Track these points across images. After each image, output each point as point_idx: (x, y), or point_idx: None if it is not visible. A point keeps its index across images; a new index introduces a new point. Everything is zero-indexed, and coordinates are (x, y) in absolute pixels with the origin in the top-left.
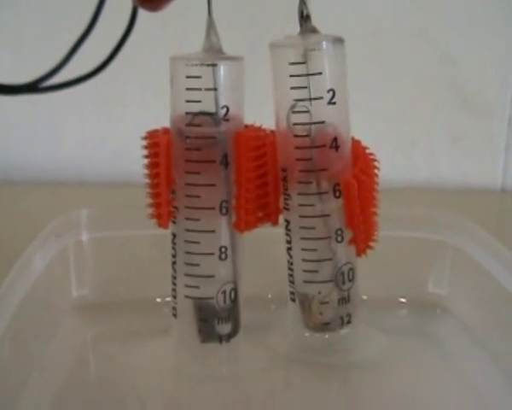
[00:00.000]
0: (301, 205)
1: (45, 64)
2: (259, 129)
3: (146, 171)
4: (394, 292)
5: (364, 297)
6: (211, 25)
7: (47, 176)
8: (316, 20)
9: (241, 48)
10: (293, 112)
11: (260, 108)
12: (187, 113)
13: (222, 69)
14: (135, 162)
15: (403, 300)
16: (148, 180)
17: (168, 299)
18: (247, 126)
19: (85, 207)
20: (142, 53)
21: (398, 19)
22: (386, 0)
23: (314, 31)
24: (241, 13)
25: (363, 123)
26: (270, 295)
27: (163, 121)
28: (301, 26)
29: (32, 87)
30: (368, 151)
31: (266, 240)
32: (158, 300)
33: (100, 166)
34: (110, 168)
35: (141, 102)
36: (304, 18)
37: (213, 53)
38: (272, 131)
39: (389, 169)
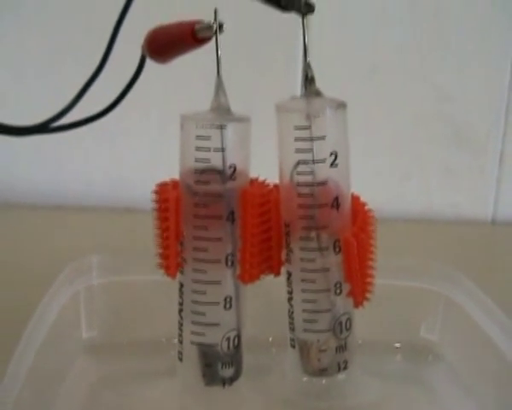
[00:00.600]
0: (302, 260)
1: (49, 93)
2: (264, 185)
3: (155, 223)
4: (389, 338)
5: (360, 342)
6: (219, 84)
7: (48, 200)
8: (317, 57)
9: (247, 106)
10: (297, 173)
11: (265, 163)
12: (196, 171)
13: (230, 130)
14: (136, 188)
15: (397, 345)
16: (157, 232)
17: (174, 340)
18: (252, 181)
19: (95, 252)
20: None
21: (396, 57)
22: (385, 39)
23: (318, 94)
24: (248, 72)
25: (360, 156)
26: (270, 339)
27: (165, 152)
28: (305, 88)
29: (42, 128)
30: (366, 208)
31: (268, 286)
32: (163, 340)
33: (101, 191)
34: (112, 194)
35: (143, 130)
36: (308, 80)
37: (221, 112)
38: (276, 186)
39: (384, 200)
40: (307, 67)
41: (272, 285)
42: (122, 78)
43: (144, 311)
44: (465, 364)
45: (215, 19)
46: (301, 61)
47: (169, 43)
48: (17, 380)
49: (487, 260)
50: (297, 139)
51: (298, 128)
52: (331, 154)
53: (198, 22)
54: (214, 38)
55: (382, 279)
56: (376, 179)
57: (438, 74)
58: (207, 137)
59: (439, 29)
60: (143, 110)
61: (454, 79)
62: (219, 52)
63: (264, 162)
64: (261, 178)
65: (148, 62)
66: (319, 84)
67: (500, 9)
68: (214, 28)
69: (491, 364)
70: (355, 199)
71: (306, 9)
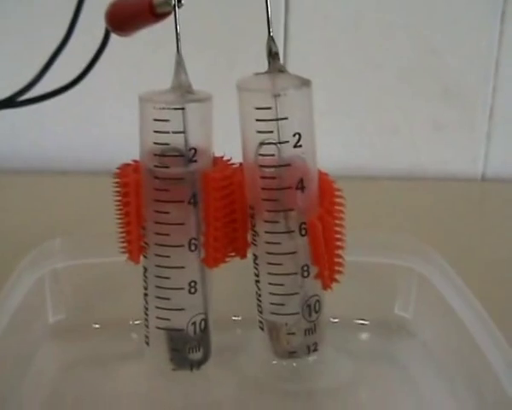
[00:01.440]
0: (268, 242)
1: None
2: (227, 166)
3: (117, 207)
4: (361, 315)
5: (334, 320)
6: (180, 62)
7: (29, 165)
8: (299, 14)
9: (209, 80)
10: (260, 154)
11: (228, 138)
12: (155, 154)
13: (190, 111)
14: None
15: (370, 322)
16: (119, 216)
17: (141, 322)
18: (216, 160)
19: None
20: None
21: (380, 9)
22: None
23: (282, 70)
24: (211, 46)
25: (345, 111)
26: (240, 317)
27: None
28: (269, 63)
29: (10, 102)
30: (334, 186)
31: (237, 264)
32: (131, 322)
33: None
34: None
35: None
36: (272, 55)
37: (182, 91)
38: (241, 166)
39: (370, 157)
40: (270, 41)
41: (240, 263)
42: (91, 47)
43: (110, 293)
44: (437, 342)
45: None
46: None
47: (128, 17)
48: None
49: (477, 218)
50: (259, 120)
51: (260, 108)
52: (295, 134)
53: None
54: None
55: (354, 256)
56: (361, 135)
57: (424, 27)
58: (166, 120)
59: None
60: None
61: (441, 32)
62: (178, 28)
63: (230, 138)
64: (226, 157)
65: None
66: (303, 39)
67: None
68: (173, 2)
69: (462, 344)
70: (323, 177)
71: None
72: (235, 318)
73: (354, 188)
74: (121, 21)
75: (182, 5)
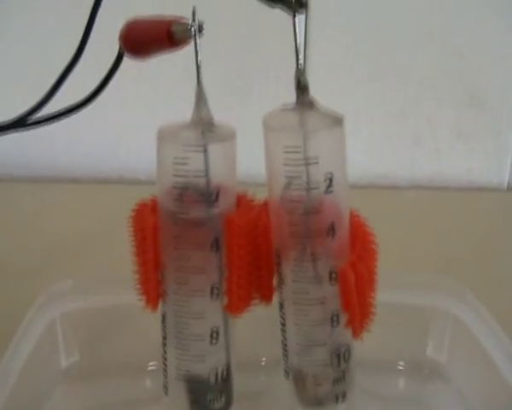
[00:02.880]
0: (295, 292)
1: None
2: (251, 206)
3: (133, 250)
4: (393, 357)
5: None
6: (200, 95)
7: (40, 173)
8: (321, 19)
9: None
10: (288, 198)
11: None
12: (176, 198)
13: (212, 152)
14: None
15: (401, 366)
16: (135, 259)
17: (158, 365)
18: (239, 198)
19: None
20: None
21: (404, 14)
22: None
23: (311, 105)
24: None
25: (368, 119)
26: (263, 362)
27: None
28: (298, 96)
29: (20, 123)
30: (367, 229)
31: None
32: (147, 366)
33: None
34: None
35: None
36: (301, 88)
37: (203, 127)
38: (265, 204)
39: (392, 165)
40: (299, 73)
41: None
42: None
43: (125, 336)
44: (472, 388)
45: (193, 19)
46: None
47: (144, 42)
48: None
49: (502, 228)
50: (287, 161)
51: (288, 150)
52: (325, 179)
53: (174, 22)
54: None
55: (386, 295)
56: (385, 144)
57: (449, 32)
58: (186, 160)
59: None
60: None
61: (466, 37)
62: (199, 57)
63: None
64: (249, 195)
65: None
66: (325, 45)
67: None
68: (193, 31)
69: (497, 391)
70: (354, 218)
71: (297, 6)
72: (259, 361)
73: (376, 197)
74: (137, 46)
75: (202, 35)
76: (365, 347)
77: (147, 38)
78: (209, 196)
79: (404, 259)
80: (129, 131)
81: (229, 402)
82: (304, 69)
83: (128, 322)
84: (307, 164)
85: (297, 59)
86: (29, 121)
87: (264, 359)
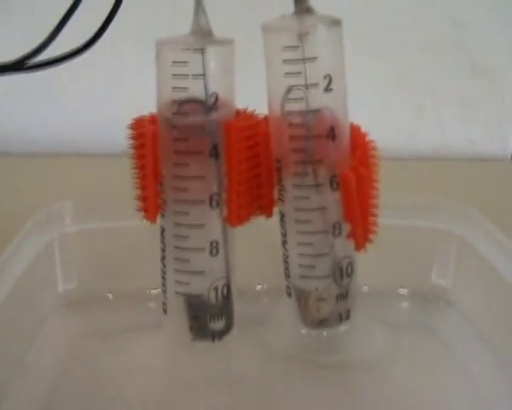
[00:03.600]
0: (296, 197)
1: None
2: (251, 116)
3: (132, 162)
4: (396, 283)
5: (365, 288)
6: (199, 4)
7: (44, 147)
8: None
9: (231, 28)
10: (288, 99)
11: (253, 92)
12: (174, 101)
13: (210, 54)
14: None
15: (404, 291)
16: (134, 171)
17: (159, 290)
18: (238, 112)
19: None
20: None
21: None
22: None
23: (309, 11)
24: None
25: (368, 89)
26: (265, 286)
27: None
28: (296, 5)
29: (18, 65)
30: (367, 139)
31: (260, 228)
32: (148, 292)
33: (98, 135)
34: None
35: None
36: None
37: (202, 36)
38: (265, 118)
39: (395, 136)
40: None
41: (265, 227)
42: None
43: (126, 259)
44: (481, 311)
45: None
46: None
47: None
48: None
49: (508, 199)
50: (286, 61)
51: (286, 48)
52: (325, 77)
53: None
54: None
55: (387, 219)
56: (386, 115)
57: (451, 0)
58: (185, 63)
59: None
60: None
61: (467, 5)
62: None
63: (254, 93)
64: (249, 110)
65: None
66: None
67: None
68: None
69: (508, 309)
70: (355, 130)
71: None
72: (260, 286)
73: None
74: None
75: None
76: (367, 274)
77: None
78: (207, 99)
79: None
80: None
81: (229, 325)
82: None
83: (130, 245)
84: (306, 61)
85: None
86: (28, 64)
87: (265, 285)
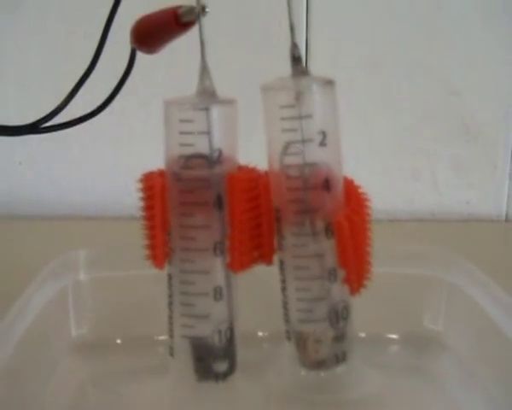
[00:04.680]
0: (295, 245)
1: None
2: (253, 170)
3: (142, 213)
4: (390, 329)
5: (362, 335)
6: (204, 68)
7: (51, 210)
8: (316, 53)
9: (234, 90)
10: (286, 154)
11: (254, 149)
12: (180, 156)
13: (214, 113)
14: None
15: (398, 336)
16: (143, 222)
17: (166, 337)
18: (240, 168)
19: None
20: (146, 89)
21: (400, 50)
22: (387, 31)
23: (305, 73)
24: (234, 56)
25: (366, 154)
26: (266, 333)
27: None
28: (293, 68)
29: (34, 127)
30: (360, 190)
31: (261, 277)
32: (156, 338)
33: (105, 200)
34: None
35: (145, 136)
36: (295, 60)
37: (207, 96)
38: (266, 173)
39: (393, 199)
40: (294, 47)
41: (265, 277)
42: (114, 76)
43: (135, 307)
44: (471, 353)
45: (197, 1)
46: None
47: (154, 31)
48: None
49: (502, 259)
50: (283, 119)
51: (284, 107)
52: (319, 133)
53: (180, 7)
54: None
55: (381, 267)
56: (384, 178)
57: (444, 67)
58: (191, 121)
59: (443, 22)
60: (146, 117)
61: (461, 72)
62: (203, 35)
63: (254, 152)
64: (250, 166)
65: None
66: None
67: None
68: (197, 11)
69: (499, 351)
70: (348, 183)
71: None
72: (262, 333)
73: (378, 230)
74: (147, 35)
75: (206, 13)
76: (363, 320)
77: (156, 26)
78: (212, 154)
79: None
80: None
81: (232, 366)
82: (296, 43)
83: (139, 294)
84: (302, 118)
85: (292, 34)
86: (42, 126)
87: (266, 332)
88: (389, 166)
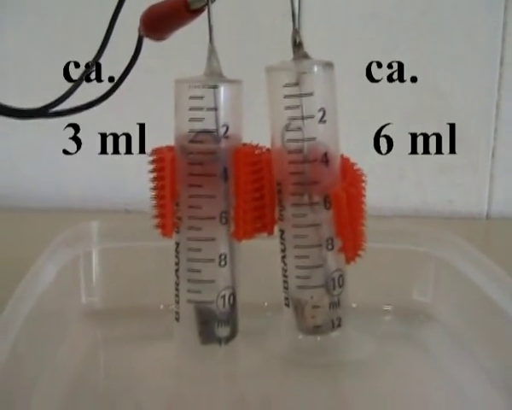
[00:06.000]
0: (294, 215)
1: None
2: (256, 147)
3: (152, 184)
4: (381, 301)
5: (354, 305)
6: (212, 51)
7: (50, 203)
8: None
9: (239, 73)
10: (287, 130)
11: (257, 129)
12: (190, 131)
13: (222, 91)
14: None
15: (389, 308)
16: (153, 193)
17: (171, 306)
18: (244, 145)
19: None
20: (145, 80)
21: (387, 54)
22: (377, 34)
23: (306, 57)
24: (240, 40)
25: (353, 154)
26: (266, 303)
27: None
28: (294, 52)
29: (42, 112)
30: (355, 167)
31: (262, 251)
32: (162, 307)
33: (102, 193)
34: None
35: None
36: (297, 45)
37: (214, 77)
38: (268, 150)
39: (379, 198)
40: (295, 33)
41: (266, 250)
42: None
43: (143, 277)
44: (458, 322)
45: None
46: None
47: (164, 19)
48: (6, 342)
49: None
50: (286, 96)
51: (287, 85)
52: (319, 110)
53: None
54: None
55: (374, 243)
56: (371, 178)
57: (429, 71)
58: (200, 97)
59: (427, 28)
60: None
61: (444, 76)
62: (212, 21)
63: (257, 131)
64: (254, 143)
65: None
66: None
67: (488, 8)
68: None
69: (487, 318)
70: (345, 160)
71: None
72: (263, 304)
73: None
74: (157, 22)
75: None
76: (355, 292)
77: (166, 13)
78: (219, 129)
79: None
80: None
81: (234, 331)
82: (298, 29)
83: (148, 265)
84: (303, 96)
85: (293, 21)
86: (50, 111)
87: (266, 302)
88: (376, 167)
